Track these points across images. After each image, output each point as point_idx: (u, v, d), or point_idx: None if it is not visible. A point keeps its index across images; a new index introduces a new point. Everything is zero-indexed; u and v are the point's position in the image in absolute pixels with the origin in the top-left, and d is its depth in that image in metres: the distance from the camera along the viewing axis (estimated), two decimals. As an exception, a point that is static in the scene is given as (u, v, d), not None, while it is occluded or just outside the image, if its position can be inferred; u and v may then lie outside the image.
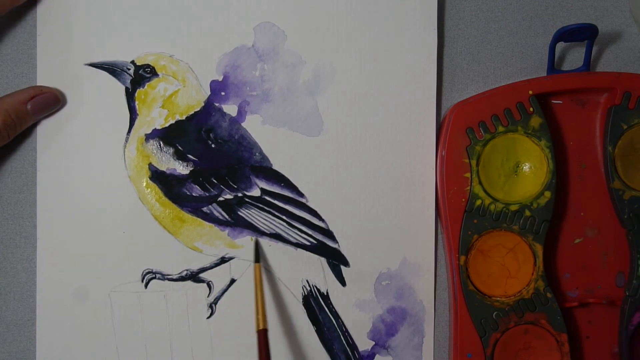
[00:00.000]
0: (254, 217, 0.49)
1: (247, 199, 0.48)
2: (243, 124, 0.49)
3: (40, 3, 0.48)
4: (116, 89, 0.48)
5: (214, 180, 0.48)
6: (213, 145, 0.48)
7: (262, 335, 0.43)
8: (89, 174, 0.48)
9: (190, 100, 0.49)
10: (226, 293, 0.49)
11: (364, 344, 0.50)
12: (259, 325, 0.43)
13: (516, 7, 0.51)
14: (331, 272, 0.49)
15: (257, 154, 0.49)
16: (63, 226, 0.48)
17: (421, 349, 0.50)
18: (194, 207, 0.48)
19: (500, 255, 0.48)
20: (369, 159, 0.49)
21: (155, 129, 0.48)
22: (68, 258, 0.48)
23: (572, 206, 0.50)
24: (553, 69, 0.49)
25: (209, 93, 0.49)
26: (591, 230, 0.50)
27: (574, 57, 0.51)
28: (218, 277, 0.49)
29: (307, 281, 0.49)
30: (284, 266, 0.49)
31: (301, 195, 0.49)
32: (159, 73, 0.48)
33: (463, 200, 0.48)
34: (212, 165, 0.48)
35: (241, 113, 0.49)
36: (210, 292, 0.49)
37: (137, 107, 0.48)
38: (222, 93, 0.49)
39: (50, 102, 0.47)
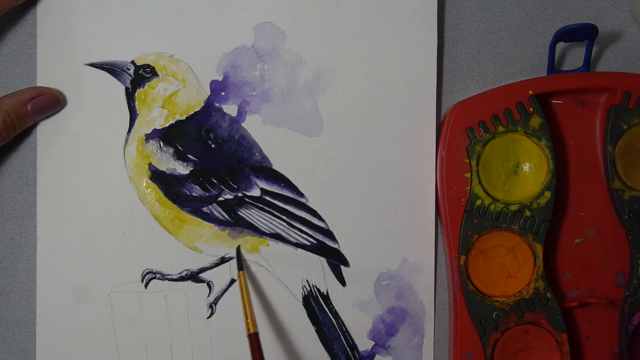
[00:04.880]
0: (254, 217, 0.49)
1: (247, 199, 0.48)
2: (243, 124, 0.49)
3: (40, 3, 0.48)
4: (116, 89, 0.48)
5: (214, 180, 0.48)
6: (213, 145, 0.48)
7: (254, 339, 0.43)
8: (89, 174, 0.48)
9: (190, 100, 0.49)
10: (226, 293, 0.49)
11: (364, 344, 0.50)
12: (249, 329, 0.43)
13: (516, 7, 0.51)
14: (331, 272, 0.49)
15: (257, 154, 0.49)
16: (63, 226, 0.48)
17: (421, 349, 0.50)
18: (194, 207, 0.48)
19: (500, 255, 0.48)
20: (369, 159, 0.49)
21: (155, 129, 0.48)
22: (68, 258, 0.48)
23: (572, 206, 0.50)
24: (553, 69, 0.49)
25: (209, 93, 0.49)
26: (591, 230, 0.50)
27: (574, 57, 0.51)
28: (218, 277, 0.49)
29: (307, 281, 0.49)
30: (284, 266, 0.49)
31: (301, 195, 0.49)
32: (159, 73, 0.48)
33: (463, 200, 0.48)
34: (212, 165, 0.48)
35: (241, 113, 0.49)
36: (210, 292, 0.49)
37: (137, 107, 0.48)
38: (222, 93, 0.49)
39: (51, 103, 0.47)
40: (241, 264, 0.48)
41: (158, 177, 0.48)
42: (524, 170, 0.49)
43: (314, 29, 0.49)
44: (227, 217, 0.48)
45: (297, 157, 0.49)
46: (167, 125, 0.48)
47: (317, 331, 0.49)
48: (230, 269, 0.49)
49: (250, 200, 0.49)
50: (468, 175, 0.48)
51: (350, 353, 0.50)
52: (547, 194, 0.48)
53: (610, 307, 0.49)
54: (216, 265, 0.49)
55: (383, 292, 0.50)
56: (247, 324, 0.43)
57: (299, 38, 0.49)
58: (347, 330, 0.49)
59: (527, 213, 0.48)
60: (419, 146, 0.50)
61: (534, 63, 0.51)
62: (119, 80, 0.48)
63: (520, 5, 0.51)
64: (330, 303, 0.49)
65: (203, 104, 0.49)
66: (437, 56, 0.50)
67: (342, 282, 0.49)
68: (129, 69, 0.48)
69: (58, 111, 0.48)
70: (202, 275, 0.49)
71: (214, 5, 0.48)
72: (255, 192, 0.49)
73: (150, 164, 0.48)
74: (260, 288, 0.49)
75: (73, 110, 0.48)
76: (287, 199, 0.49)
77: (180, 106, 0.48)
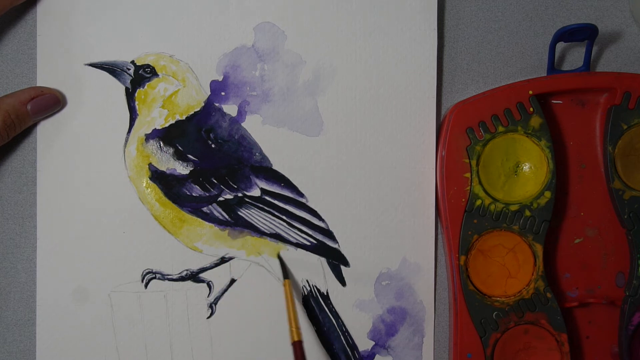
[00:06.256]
0: (254, 217, 0.49)
1: (247, 199, 0.48)
2: (243, 124, 0.49)
3: (40, 3, 0.48)
4: (116, 89, 0.48)
5: (214, 180, 0.48)
6: (213, 145, 0.48)
7: (298, 347, 0.43)
8: (89, 174, 0.48)
9: (190, 100, 0.49)
10: (226, 293, 0.49)
11: (364, 344, 0.50)
12: (293, 337, 0.44)
13: (516, 7, 0.51)
14: (331, 272, 0.49)
15: (257, 154, 0.49)
16: (63, 226, 0.48)
17: (421, 349, 0.50)
18: (194, 207, 0.48)
19: (500, 255, 0.48)
20: (369, 159, 0.49)
21: (155, 129, 0.48)
22: (68, 258, 0.48)
23: (572, 206, 0.50)
24: (553, 69, 0.49)
25: (209, 93, 0.49)
26: (591, 230, 0.50)
27: (574, 57, 0.51)
28: (218, 277, 0.49)
29: (307, 281, 0.49)
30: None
31: (301, 195, 0.49)
32: (159, 73, 0.48)
33: (463, 200, 0.48)
34: (212, 165, 0.48)
35: (241, 113, 0.49)
36: (210, 292, 0.49)
37: (137, 107, 0.48)
38: (222, 93, 0.49)
39: (51, 103, 0.47)
40: (286, 273, 0.48)
41: (158, 177, 0.48)
42: (524, 170, 0.49)
43: (314, 29, 0.49)
44: (227, 217, 0.48)
45: (297, 157, 0.49)
46: (167, 125, 0.48)
47: (317, 331, 0.49)
48: (230, 269, 0.49)
49: (250, 200, 0.49)
50: (468, 175, 0.48)
51: (350, 353, 0.50)
52: (547, 194, 0.48)
53: (610, 307, 0.49)
54: (216, 265, 0.49)
55: (383, 292, 0.50)
56: (292, 331, 0.44)
57: (299, 38, 0.49)
58: (347, 330, 0.49)
59: (527, 213, 0.48)
60: (419, 146, 0.50)
61: (534, 63, 0.51)
62: (119, 80, 0.48)
63: (520, 5, 0.51)
64: (330, 303, 0.49)
65: (203, 104, 0.49)
66: (437, 56, 0.50)
67: (342, 282, 0.49)
68: (129, 69, 0.48)
69: (58, 111, 0.48)
70: (202, 275, 0.49)
71: (214, 5, 0.48)
72: (255, 192, 0.49)
73: (150, 164, 0.48)
74: (260, 288, 0.49)
75: (73, 110, 0.48)
76: (287, 199, 0.49)
77: (180, 106, 0.48)
